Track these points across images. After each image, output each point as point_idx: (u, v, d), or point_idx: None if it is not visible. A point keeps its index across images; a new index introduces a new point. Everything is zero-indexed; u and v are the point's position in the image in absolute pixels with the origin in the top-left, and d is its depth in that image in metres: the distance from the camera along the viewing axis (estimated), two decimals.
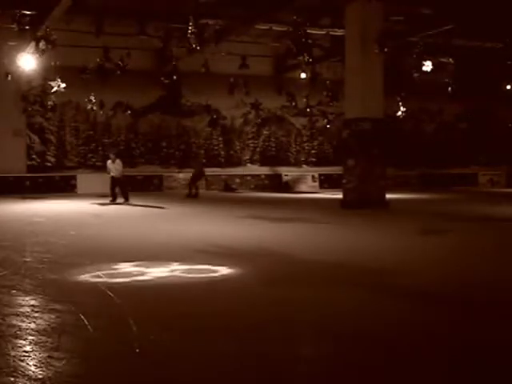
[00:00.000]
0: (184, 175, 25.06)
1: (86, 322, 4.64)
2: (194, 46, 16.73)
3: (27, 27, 17.40)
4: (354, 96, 15.96)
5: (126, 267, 7.19)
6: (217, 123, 26.07)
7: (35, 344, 4.12)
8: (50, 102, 21.56)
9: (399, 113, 25.00)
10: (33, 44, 17.31)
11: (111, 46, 20.09)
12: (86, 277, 6.50)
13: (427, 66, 19.23)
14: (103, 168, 24.78)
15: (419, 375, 3.67)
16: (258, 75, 23.99)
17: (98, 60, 20.02)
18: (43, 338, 4.24)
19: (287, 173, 26.59)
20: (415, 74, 20.03)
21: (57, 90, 20.17)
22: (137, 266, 7.30)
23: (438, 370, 3.74)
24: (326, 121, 26.60)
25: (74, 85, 20.75)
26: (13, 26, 17.21)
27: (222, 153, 26.47)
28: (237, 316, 5.04)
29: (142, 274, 6.84)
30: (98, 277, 6.49)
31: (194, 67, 21.23)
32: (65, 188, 23.06)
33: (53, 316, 4.86)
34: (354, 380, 3.62)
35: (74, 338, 4.32)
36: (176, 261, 7.60)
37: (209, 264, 7.46)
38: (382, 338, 4.42)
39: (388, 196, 16.15)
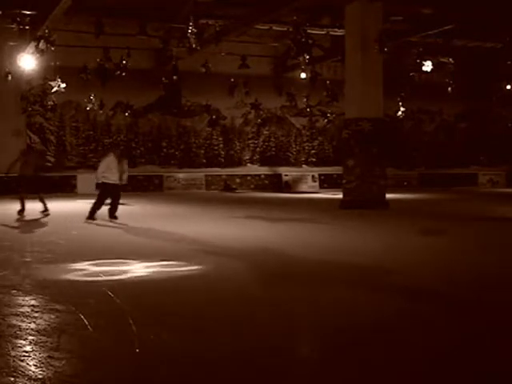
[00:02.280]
0: (184, 175, 25.07)
1: (86, 322, 4.64)
2: (193, 46, 16.72)
3: (27, 27, 17.40)
4: (354, 96, 15.95)
5: (125, 266, 7.19)
6: (217, 123, 26.07)
7: (35, 344, 4.13)
8: (50, 102, 21.56)
9: (399, 113, 24.99)
10: (33, 44, 17.31)
11: (111, 46, 20.08)
12: (85, 276, 6.49)
13: (427, 66, 19.24)
14: None
15: (417, 371, 3.68)
16: (258, 75, 23.99)
17: (98, 60, 20.02)
18: (43, 338, 4.25)
19: (287, 173, 26.58)
20: (414, 74, 20.03)
21: (57, 90, 20.16)
22: (136, 264, 7.30)
23: (433, 364, 3.75)
24: (325, 121, 26.59)
25: (73, 85, 20.75)
26: (13, 26, 17.20)
27: (222, 153, 26.46)
28: (236, 315, 5.04)
29: (142, 272, 6.84)
30: (98, 276, 6.49)
31: (194, 67, 21.23)
32: (65, 188, 23.03)
33: (53, 316, 4.86)
34: (353, 377, 3.63)
35: (73, 338, 4.32)
36: (174, 260, 7.60)
37: (207, 263, 7.46)
38: (378, 335, 4.42)
39: (388, 196, 16.14)
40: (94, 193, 21.40)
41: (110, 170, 12.34)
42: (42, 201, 13.81)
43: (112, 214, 12.67)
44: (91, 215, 12.49)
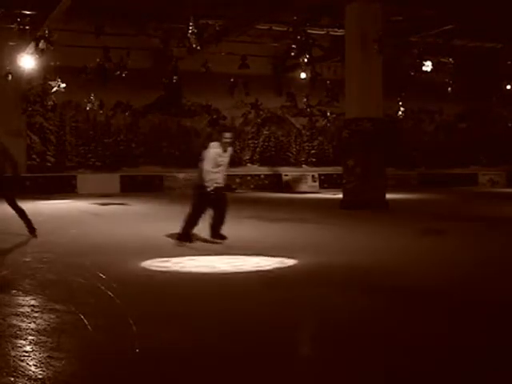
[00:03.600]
0: (184, 175, 25.06)
1: (86, 322, 4.64)
2: (194, 46, 16.74)
3: (27, 27, 17.41)
4: (354, 96, 15.95)
5: (124, 266, 7.19)
6: (217, 123, 26.07)
7: (35, 344, 4.13)
8: (50, 102, 21.57)
9: (399, 113, 25.00)
10: (33, 44, 17.32)
11: (111, 46, 20.09)
12: (85, 277, 6.49)
13: (427, 66, 19.23)
14: (103, 168, 24.88)
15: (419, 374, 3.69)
16: (258, 75, 23.97)
17: (98, 60, 20.02)
18: (43, 338, 4.25)
19: (287, 173, 26.58)
20: (414, 74, 20.03)
21: (57, 90, 20.19)
22: (136, 264, 7.30)
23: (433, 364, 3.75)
24: (325, 121, 26.60)
25: (73, 85, 20.75)
26: (13, 26, 17.21)
27: None
28: (235, 314, 5.04)
29: (141, 273, 6.85)
30: (98, 276, 6.49)
31: (194, 67, 21.22)
32: (65, 188, 23.04)
33: (53, 316, 4.86)
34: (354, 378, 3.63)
35: (73, 338, 4.32)
36: (171, 260, 7.61)
37: (206, 263, 7.46)
38: (374, 334, 4.42)
39: (388, 196, 16.13)
40: (94, 192, 21.56)
41: (216, 167, 9.02)
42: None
43: (217, 232, 9.10)
44: (186, 236, 8.94)
